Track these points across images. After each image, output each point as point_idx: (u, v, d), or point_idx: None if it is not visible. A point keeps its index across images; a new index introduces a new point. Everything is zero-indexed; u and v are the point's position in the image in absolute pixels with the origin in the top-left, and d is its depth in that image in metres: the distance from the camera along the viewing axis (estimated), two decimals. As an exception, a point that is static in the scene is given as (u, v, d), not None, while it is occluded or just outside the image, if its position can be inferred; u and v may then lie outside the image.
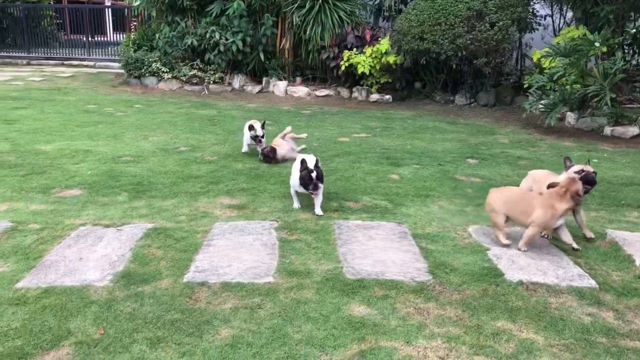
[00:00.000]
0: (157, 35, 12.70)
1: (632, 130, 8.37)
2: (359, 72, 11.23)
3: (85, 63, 17.02)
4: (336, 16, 11.58)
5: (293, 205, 4.85)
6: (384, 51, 10.99)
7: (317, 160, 4.69)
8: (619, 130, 8.44)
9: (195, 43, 12.19)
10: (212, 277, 3.46)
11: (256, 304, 3.16)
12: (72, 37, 19.41)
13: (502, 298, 3.29)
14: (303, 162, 4.64)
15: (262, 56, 12.37)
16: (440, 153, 7.11)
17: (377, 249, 3.96)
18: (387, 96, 11.69)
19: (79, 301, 3.14)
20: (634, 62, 9.13)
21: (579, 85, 8.81)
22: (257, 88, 12.60)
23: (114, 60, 16.36)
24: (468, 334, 2.92)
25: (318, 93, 12.23)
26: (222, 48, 12.13)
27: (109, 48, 18.07)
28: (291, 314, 3.07)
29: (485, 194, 4.21)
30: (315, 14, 11.62)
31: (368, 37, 11.62)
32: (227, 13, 12.00)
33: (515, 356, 2.73)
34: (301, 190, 4.70)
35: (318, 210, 4.68)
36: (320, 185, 4.59)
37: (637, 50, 9.05)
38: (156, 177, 5.69)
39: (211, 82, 12.59)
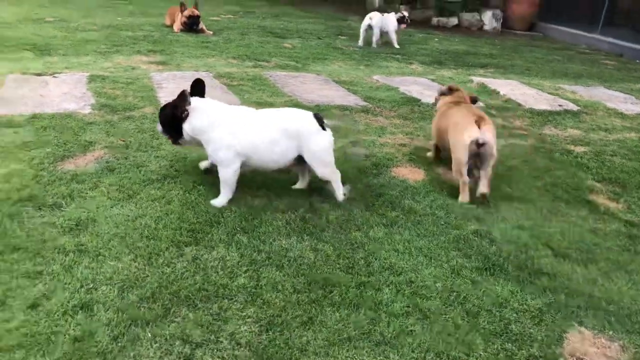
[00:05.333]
0: None
1: (452, 20, 10.05)
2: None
3: None
4: None
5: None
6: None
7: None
8: (443, 20, 10.04)
9: None
10: (189, 106, 3.74)
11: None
12: None
13: (426, 113, 4.24)
14: (182, 96, 2.39)
15: None
16: (313, 31, 7.76)
17: (314, 89, 4.59)
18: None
19: (76, 123, 3.21)
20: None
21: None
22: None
23: None
24: (416, 132, 3.80)
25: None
26: None
27: None
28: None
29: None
30: None
31: None
32: None
33: (455, 140, 3.69)
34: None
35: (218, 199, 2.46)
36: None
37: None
38: (47, 40, 5.35)
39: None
